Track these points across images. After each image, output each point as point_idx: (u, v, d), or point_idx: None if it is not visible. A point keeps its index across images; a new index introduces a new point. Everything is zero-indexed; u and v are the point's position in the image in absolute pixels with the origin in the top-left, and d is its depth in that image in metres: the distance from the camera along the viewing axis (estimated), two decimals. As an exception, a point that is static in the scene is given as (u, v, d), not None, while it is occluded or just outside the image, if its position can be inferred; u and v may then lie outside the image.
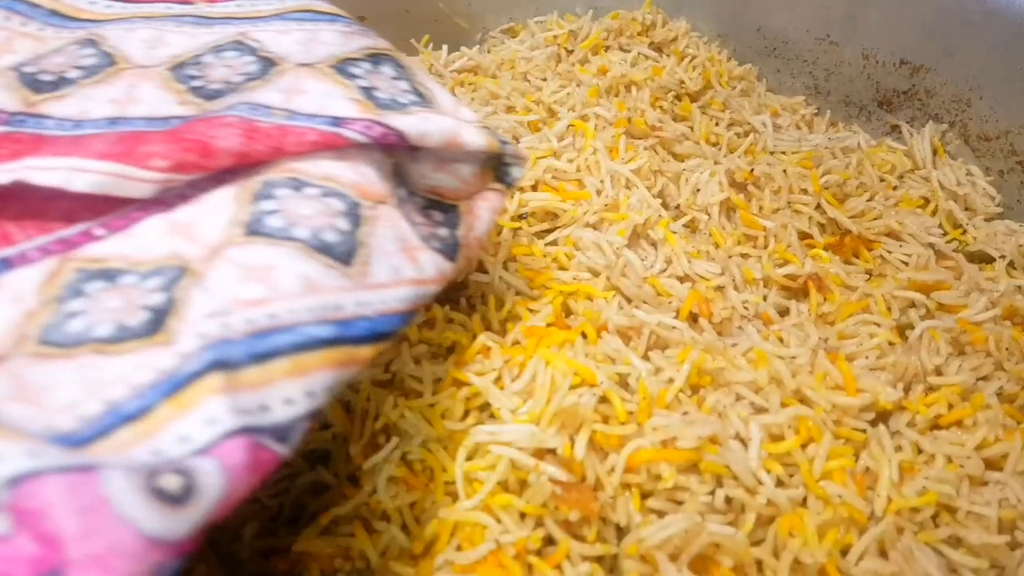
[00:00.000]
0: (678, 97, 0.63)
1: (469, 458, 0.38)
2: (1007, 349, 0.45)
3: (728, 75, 0.67)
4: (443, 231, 0.37)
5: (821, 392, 0.41)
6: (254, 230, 0.31)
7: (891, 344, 0.46)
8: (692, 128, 0.60)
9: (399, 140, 0.35)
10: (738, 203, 0.53)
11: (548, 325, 0.43)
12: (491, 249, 0.48)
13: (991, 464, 0.41)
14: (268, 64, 0.37)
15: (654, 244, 0.50)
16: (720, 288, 0.48)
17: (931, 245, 0.53)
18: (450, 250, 0.36)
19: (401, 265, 0.33)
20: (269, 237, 0.31)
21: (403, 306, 0.32)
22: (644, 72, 0.63)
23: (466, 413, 0.40)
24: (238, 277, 0.29)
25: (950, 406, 0.42)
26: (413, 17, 0.74)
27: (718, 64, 0.68)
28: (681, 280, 0.48)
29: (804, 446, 0.39)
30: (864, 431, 0.41)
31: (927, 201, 0.58)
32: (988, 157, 0.61)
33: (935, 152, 0.62)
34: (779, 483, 0.38)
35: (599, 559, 0.36)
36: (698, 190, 0.54)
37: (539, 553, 0.36)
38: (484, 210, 0.39)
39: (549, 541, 0.36)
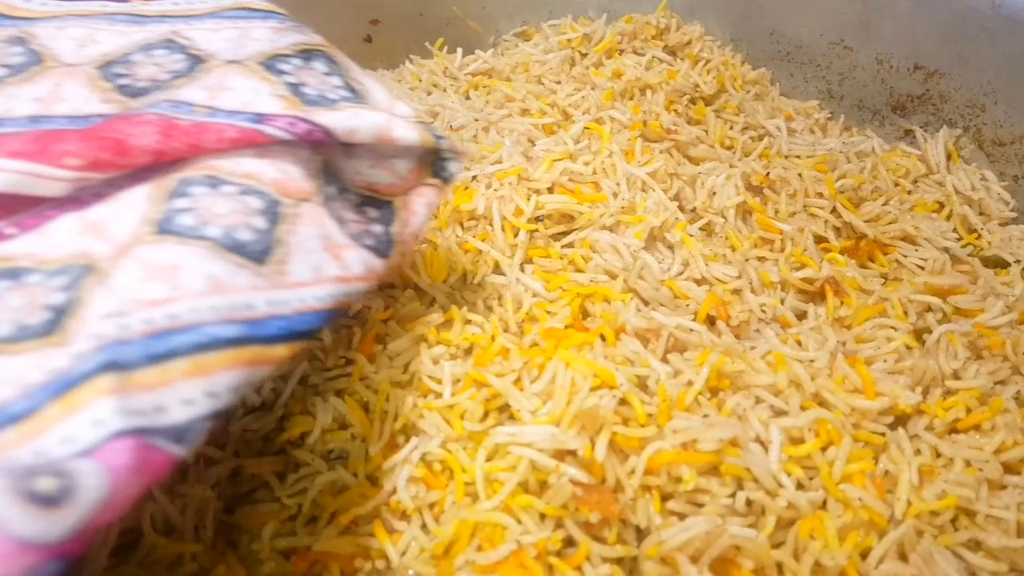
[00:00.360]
0: (692, 100, 0.64)
1: (489, 459, 0.38)
2: (1024, 354, 0.45)
3: (742, 79, 0.68)
4: (377, 228, 0.36)
5: (840, 395, 0.41)
6: (164, 229, 0.30)
7: (908, 348, 0.46)
8: (707, 131, 0.60)
9: (325, 136, 0.34)
10: (754, 206, 0.53)
11: (566, 327, 0.43)
12: (508, 251, 0.48)
13: (1010, 468, 0.41)
14: (196, 61, 0.37)
15: (671, 247, 0.50)
16: (737, 291, 0.48)
17: (946, 249, 0.53)
18: (383, 247, 0.36)
19: (323, 263, 0.33)
20: (179, 236, 0.30)
21: (324, 304, 0.32)
22: (658, 76, 0.63)
23: (485, 414, 0.40)
24: (142, 276, 0.29)
25: (968, 410, 0.42)
26: (427, 20, 0.74)
27: (732, 68, 0.68)
28: (698, 283, 0.48)
29: (824, 449, 0.39)
30: (883, 434, 0.41)
31: (941, 206, 0.58)
32: (1002, 162, 0.62)
33: (949, 157, 0.62)
34: (799, 486, 0.38)
35: (619, 561, 0.36)
36: (714, 193, 0.54)
37: (559, 554, 0.36)
38: (420, 205, 0.38)
39: (569, 542, 0.36)
